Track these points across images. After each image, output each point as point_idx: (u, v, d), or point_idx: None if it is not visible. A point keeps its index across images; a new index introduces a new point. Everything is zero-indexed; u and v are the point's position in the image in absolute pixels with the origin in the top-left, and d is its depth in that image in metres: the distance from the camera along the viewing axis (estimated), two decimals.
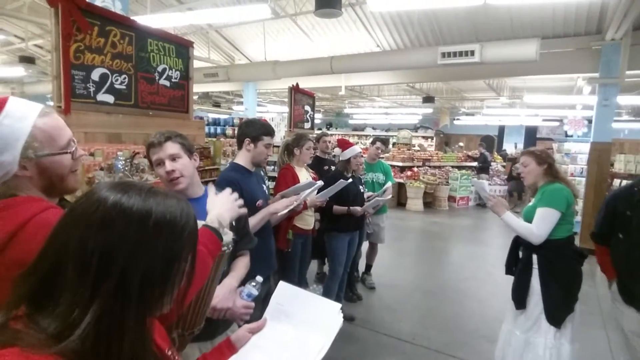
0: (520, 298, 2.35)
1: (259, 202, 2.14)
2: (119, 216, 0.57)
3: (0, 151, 0.87)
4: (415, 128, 18.44)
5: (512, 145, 17.14)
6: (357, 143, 15.82)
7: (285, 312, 1.00)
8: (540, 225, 2.22)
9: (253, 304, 1.36)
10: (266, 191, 2.40)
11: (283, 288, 1.05)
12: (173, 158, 1.47)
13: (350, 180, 3.14)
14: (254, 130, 2.15)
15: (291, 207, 2.22)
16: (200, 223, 1.15)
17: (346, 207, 3.30)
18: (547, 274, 2.25)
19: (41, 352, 0.51)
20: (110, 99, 2.79)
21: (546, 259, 2.26)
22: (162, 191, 0.63)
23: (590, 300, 4.25)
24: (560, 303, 2.23)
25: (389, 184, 4.18)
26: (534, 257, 2.31)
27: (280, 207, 2.17)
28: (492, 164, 11.64)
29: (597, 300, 4.32)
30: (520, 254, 2.43)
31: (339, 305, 1.01)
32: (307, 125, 6.08)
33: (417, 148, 12.63)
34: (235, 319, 1.33)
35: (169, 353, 0.73)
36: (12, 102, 0.90)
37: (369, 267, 4.59)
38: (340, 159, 3.47)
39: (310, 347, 0.90)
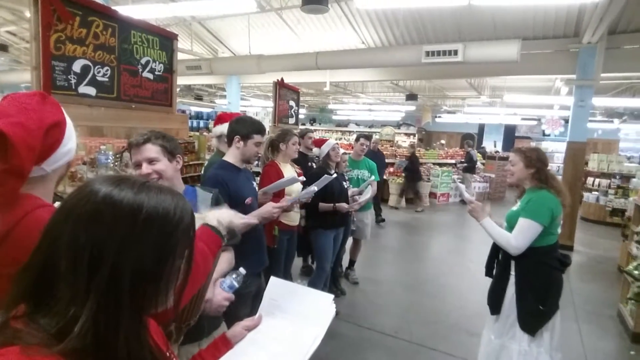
0: (495, 303, 2.30)
1: (248, 200, 2.14)
2: (109, 209, 0.56)
3: (70, 138, 0.97)
4: (398, 125, 18.60)
5: (492, 143, 17.53)
6: (339, 139, 15.85)
7: (279, 306, 1.01)
8: (519, 237, 2.12)
9: (233, 296, 1.33)
10: (255, 188, 2.39)
11: (275, 283, 1.06)
12: (150, 161, 1.44)
13: (335, 175, 3.16)
14: (244, 128, 2.13)
15: (283, 205, 2.20)
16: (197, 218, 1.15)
17: (332, 204, 3.32)
18: (523, 283, 2.17)
19: (42, 352, 0.50)
20: (92, 91, 2.72)
21: (524, 268, 2.17)
22: (157, 186, 0.62)
23: (563, 295, 4.38)
24: (534, 312, 2.15)
25: (372, 177, 4.23)
26: (512, 263, 2.22)
27: (267, 213, 2.09)
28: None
29: (570, 295, 4.49)
30: (500, 257, 2.35)
31: (332, 296, 1.02)
32: (292, 120, 6.07)
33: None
34: (212, 311, 1.30)
35: (168, 354, 0.73)
36: None
37: (352, 262, 4.64)
38: (321, 156, 3.50)
39: (304, 338, 0.91)
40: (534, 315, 2.16)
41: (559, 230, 2.29)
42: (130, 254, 0.56)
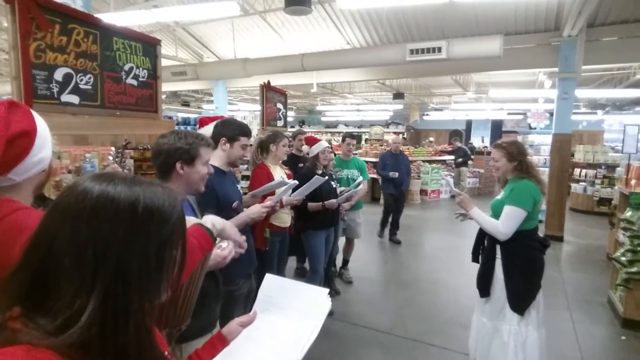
0: (483, 286, 2.43)
1: (235, 204, 2.13)
2: (108, 204, 0.57)
3: (43, 147, 0.94)
4: (386, 124, 18.70)
5: (479, 139, 17.71)
6: (330, 140, 15.90)
7: (274, 303, 1.00)
8: (506, 223, 2.29)
9: (244, 237, 1.36)
10: (240, 191, 2.38)
11: (270, 280, 1.06)
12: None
13: (326, 178, 3.17)
14: (231, 130, 2.12)
15: (269, 204, 2.20)
16: (191, 220, 1.16)
17: (321, 203, 3.32)
18: (510, 264, 2.33)
19: (48, 353, 0.50)
20: (75, 99, 2.68)
21: (509, 250, 2.34)
22: (145, 180, 0.65)
23: (555, 285, 4.48)
24: (522, 292, 2.31)
25: (360, 178, 4.24)
26: (497, 247, 2.38)
27: (256, 213, 2.11)
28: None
29: (562, 284, 4.55)
30: (486, 243, 2.50)
31: (327, 290, 1.02)
32: (280, 123, 6.06)
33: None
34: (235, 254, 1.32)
35: (166, 354, 0.72)
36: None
37: (346, 261, 4.65)
38: (310, 155, 3.50)
39: (300, 332, 0.91)
40: (522, 294, 2.31)
41: (540, 216, 2.43)
42: (133, 245, 0.57)
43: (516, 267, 2.31)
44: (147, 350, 0.59)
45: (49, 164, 0.98)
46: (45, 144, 0.95)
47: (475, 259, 2.60)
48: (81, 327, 0.52)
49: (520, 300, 2.31)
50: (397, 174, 5.94)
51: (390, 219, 6.41)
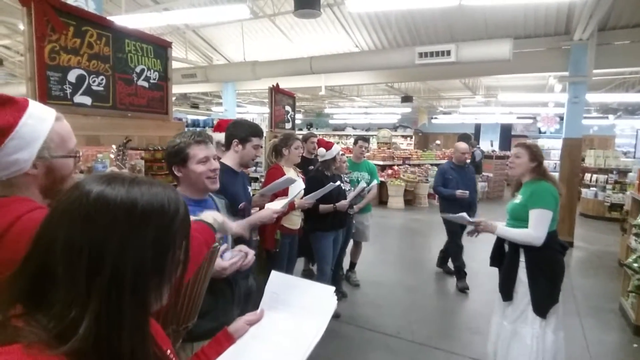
0: (507, 290, 2.43)
1: (242, 205, 2.14)
2: (104, 209, 0.55)
3: (20, 149, 0.90)
4: (394, 127, 18.66)
5: (488, 143, 17.56)
6: (337, 142, 15.94)
7: (280, 300, 1.00)
8: (537, 227, 2.28)
9: (231, 261, 1.44)
10: (250, 193, 2.40)
11: (276, 277, 1.05)
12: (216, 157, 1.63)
13: (339, 183, 3.18)
14: (243, 131, 2.15)
15: (280, 209, 2.22)
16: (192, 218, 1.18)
17: (332, 205, 3.33)
18: (534, 267, 2.33)
19: (45, 352, 0.50)
20: (87, 100, 2.73)
21: (533, 253, 2.33)
22: (147, 180, 0.62)
23: (565, 291, 4.37)
24: (547, 294, 2.32)
25: (374, 182, 4.23)
26: (521, 250, 2.38)
27: (267, 217, 2.15)
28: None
29: (571, 290, 4.49)
30: (506, 248, 2.48)
31: (333, 287, 1.01)
32: (288, 125, 6.08)
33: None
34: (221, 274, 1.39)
35: (168, 353, 0.72)
36: (33, 104, 0.94)
37: (353, 264, 4.64)
38: (327, 157, 3.47)
39: (307, 330, 0.90)
40: (546, 297, 2.32)
41: (557, 217, 2.43)
42: (130, 251, 0.55)
43: (541, 270, 2.32)
44: (144, 357, 0.58)
45: (28, 166, 0.93)
46: (26, 146, 0.91)
47: (493, 263, 2.59)
48: (79, 339, 0.51)
49: (544, 304, 2.32)
50: (467, 192, 4.35)
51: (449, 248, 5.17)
